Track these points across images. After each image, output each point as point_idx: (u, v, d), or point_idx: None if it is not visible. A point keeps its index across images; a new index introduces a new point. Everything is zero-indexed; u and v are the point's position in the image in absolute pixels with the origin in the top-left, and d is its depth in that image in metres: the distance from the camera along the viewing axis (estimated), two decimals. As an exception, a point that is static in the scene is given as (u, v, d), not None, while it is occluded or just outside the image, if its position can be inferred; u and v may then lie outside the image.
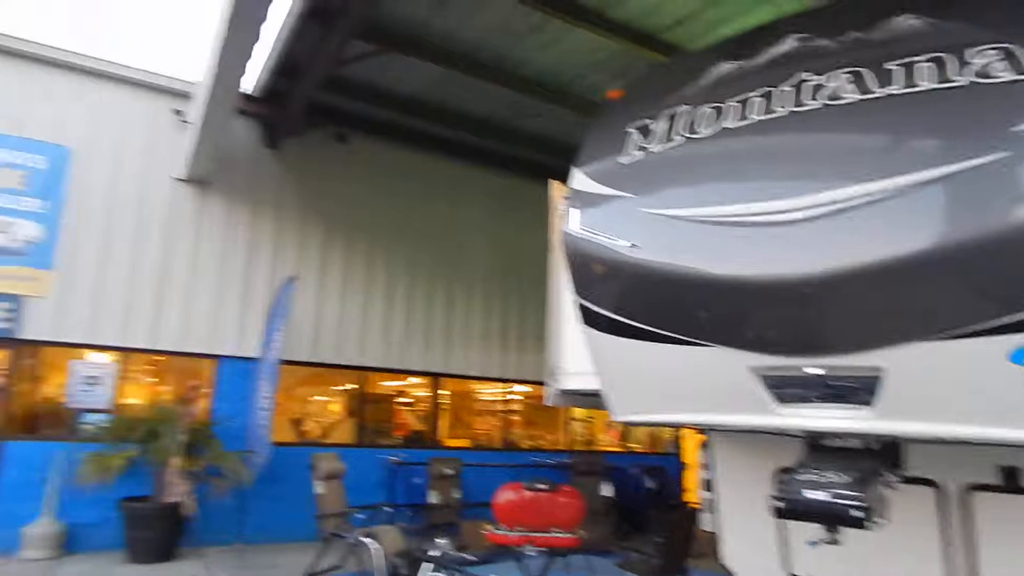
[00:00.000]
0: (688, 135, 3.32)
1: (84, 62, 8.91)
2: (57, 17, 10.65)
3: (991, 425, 2.60)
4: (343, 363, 10.14)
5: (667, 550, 5.50)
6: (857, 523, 2.81)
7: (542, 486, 5.96)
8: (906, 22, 2.94)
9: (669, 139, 3.40)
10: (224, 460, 7.99)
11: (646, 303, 3.35)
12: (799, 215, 2.72)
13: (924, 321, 2.59)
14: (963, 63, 2.61)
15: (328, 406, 10.83)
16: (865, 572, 4.29)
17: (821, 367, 2.84)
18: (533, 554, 5.61)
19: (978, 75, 2.55)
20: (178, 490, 7.60)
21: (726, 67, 3.48)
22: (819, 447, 3.24)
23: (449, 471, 9.47)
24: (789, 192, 2.82)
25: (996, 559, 3.88)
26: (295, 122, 9.54)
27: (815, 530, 4.05)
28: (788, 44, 3.28)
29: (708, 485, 5.07)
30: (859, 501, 2.79)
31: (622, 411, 3.74)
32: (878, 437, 3.07)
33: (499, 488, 6.08)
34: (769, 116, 3.05)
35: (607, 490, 9.42)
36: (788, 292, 2.76)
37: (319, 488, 7.08)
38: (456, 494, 9.46)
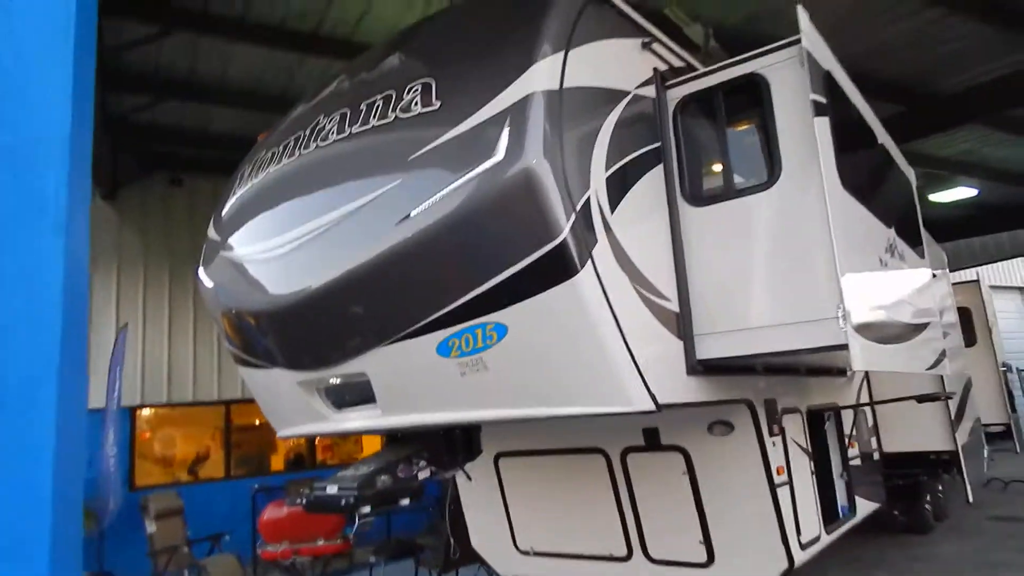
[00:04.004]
0: (253, 180, 3.60)
1: None
2: None
3: (445, 410, 2.94)
4: (202, 399, 10.30)
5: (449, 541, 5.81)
6: (347, 508, 3.10)
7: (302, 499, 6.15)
8: (392, 60, 3.25)
9: (247, 183, 3.68)
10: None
11: (239, 338, 3.61)
12: (291, 246, 3.05)
13: (374, 329, 2.94)
14: (399, 99, 2.91)
15: (196, 443, 10.93)
16: (566, 530, 4.74)
17: (338, 376, 3.18)
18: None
19: (402, 110, 2.86)
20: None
21: (298, 109, 3.78)
22: (391, 439, 3.59)
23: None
24: (287, 226, 3.14)
25: (650, 506, 4.34)
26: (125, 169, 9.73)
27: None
28: (330, 87, 3.59)
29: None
30: (351, 491, 3.08)
31: (278, 428, 4.03)
32: (388, 429, 3.42)
33: (265, 506, 6.28)
34: (292, 159, 3.36)
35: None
36: (287, 315, 3.09)
37: (150, 527, 7.28)
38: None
